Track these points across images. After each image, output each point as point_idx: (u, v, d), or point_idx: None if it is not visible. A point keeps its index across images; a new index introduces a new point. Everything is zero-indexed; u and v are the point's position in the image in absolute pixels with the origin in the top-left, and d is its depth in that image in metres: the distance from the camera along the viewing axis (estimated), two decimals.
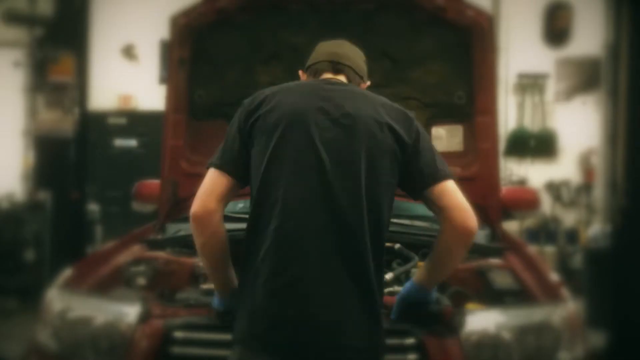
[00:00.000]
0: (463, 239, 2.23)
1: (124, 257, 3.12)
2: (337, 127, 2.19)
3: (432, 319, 2.48)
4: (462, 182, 3.46)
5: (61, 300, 2.77)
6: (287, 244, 2.14)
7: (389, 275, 2.94)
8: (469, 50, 3.39)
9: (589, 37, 7.60)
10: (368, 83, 2.47)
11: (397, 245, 3.23)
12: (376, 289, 2.17)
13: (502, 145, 7.28)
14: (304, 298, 2.11)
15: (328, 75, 2.38)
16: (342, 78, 2.38)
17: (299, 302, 2.11)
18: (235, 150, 2.26)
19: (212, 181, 2.24)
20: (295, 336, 2.11)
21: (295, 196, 2.14)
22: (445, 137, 3.58)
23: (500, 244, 3.32)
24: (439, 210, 2.23)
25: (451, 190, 2.24)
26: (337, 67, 2.39)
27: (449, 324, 2.51)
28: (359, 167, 2.16)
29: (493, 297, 2.78)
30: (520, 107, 8.08)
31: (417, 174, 2.23)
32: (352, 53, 2.44)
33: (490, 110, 3.45)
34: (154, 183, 3.72)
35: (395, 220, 3.54)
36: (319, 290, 2.11)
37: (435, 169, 2.25)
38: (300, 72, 2.49)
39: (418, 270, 2.56)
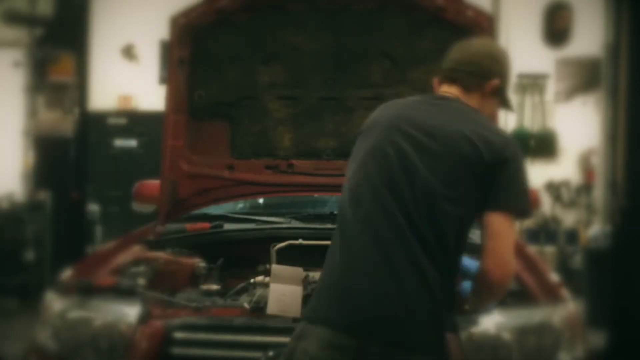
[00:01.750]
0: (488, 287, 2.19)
1: (124, 258, 3.12)
2: (416, 140, 2.19)
3: None
4: None
5: (61, 301, 2.77)
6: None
7: None
8: None
9: (589, 37, 7.60)
10: (495, 81, 2.35)
11: None
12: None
13: None
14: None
15: (444, 87, 2.39)
16: (454, 89, 2.36)
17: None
18: None
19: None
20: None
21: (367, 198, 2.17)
22: None
23: None
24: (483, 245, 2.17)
25: (497, 229, 2.15)
26: (451, 75, 2.37)
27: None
28: (428, 176, 2.14)
29: None
30: (520, 107, 8.08)
31: (487, 194, 2.16)
32: (476, 54, 2.38)
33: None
34: (154, 183, 3.72)
35: None
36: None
37: (505, 196, 2.15)
38: (434, 80, 2.48)
39: None
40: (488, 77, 2.35)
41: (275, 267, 2.68)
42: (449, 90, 2.37)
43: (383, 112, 2.37)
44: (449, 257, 2.12)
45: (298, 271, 2.63)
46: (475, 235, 3.49)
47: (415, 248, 2.09)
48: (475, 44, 2.44)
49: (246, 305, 2.67)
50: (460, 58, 2.38)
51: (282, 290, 2.58)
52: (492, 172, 2.14)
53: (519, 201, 2.16)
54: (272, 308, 2.58)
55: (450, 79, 2.37)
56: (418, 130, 2.21)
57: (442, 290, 2.10)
